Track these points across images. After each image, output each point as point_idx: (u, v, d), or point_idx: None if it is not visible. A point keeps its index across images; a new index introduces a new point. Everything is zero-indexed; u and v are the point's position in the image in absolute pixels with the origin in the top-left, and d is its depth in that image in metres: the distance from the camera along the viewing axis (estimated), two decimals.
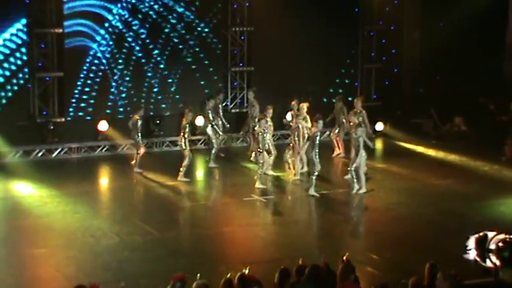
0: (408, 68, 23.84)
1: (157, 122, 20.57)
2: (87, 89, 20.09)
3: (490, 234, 12.31)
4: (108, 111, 20.30)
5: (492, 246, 12.13)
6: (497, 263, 11.84)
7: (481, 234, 12.41)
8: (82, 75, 19.90)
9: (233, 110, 21.75)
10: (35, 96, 19.30)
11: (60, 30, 19.22)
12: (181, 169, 17.20)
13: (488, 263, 11.94)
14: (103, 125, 19.69)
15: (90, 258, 12.35)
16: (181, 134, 17.31)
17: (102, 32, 19.98)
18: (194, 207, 16.14)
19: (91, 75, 20.01)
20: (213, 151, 18.71)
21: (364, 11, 23.09)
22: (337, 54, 22.77)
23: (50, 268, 12.00)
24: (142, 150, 18.10)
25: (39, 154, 19.26)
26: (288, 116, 21.33)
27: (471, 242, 12.46)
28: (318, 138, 15.86)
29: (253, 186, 16.61)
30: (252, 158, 18.02)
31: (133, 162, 18.03)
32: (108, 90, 20.24)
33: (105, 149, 19.98)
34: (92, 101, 20.13)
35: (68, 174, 18.06)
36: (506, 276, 10.97)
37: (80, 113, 20.04)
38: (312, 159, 15.90)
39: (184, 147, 17.24)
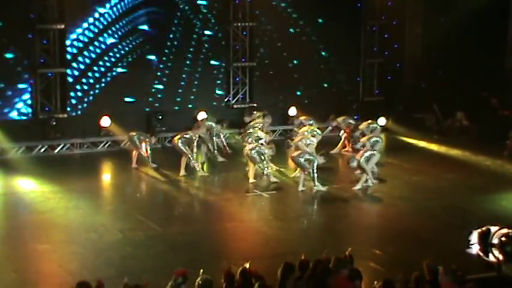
0: (410, 63, 23.82)
1: (160, 117, 20.56)
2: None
3: (493, 228, 12.34)
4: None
5: (495, 241, 12.16)
6: (500, 257, 11.88)
7: (483, 228, 12.43)
8: None
9: (235, 106, 21.76)
10: (37, 92, 19.30)
11: (62, 26, 19.20)
12: (197, 168, 17.37)
13: (491, 258, 11.97)
14: (105, 121, 19.70)
15: (93, 254, 12.35)
16: (182, 135, 17.39)
17: None
18: (197, 202, 16.15)
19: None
20: (212, 149, 18.86)
21: (367, 6, 23.08)
22: (339, 49, 22.76)
23: (53, 264, 12.01)
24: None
25: (42, 150, 19.27)
26: (291, 111, 21.42)
27: (474, 237, 12.48)
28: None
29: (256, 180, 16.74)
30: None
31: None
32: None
33: (107, 144, 20.00)
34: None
35: (70, 170, 18.08)
36: (509, 270, 10.98)
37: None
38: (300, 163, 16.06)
39: (182, 147, 17.26)
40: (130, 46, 20.35)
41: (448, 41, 21.86)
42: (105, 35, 19.98)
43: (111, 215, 14.83)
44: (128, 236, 13.29)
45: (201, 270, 8.37)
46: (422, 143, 21.26)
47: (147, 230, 13.61)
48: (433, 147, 20.85)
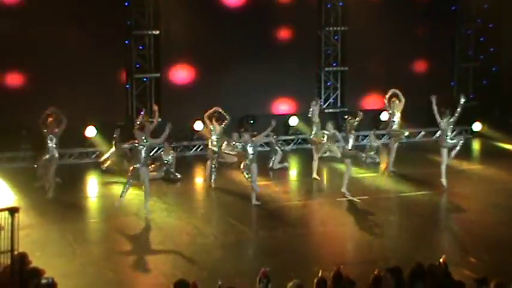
0: (507, 66, 23.20)
1: (251, 121, 20.63)
2: None
3: None
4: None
5: None
6: None
7: None
8: None
9: (326, 111, 21.70)
10: (132, 96, 19.79)
11: (157, 32, 19.65)
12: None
13: None
14: (198, 125, 19.97)
15: (186, 257, 12.55)
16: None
17: None
18: (288, 206, 16.16)
19: None
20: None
21: (462, 9, 22.65)
22: (432, 53, 22.42)
23: (147, 265, 12.29)
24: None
25: None
26: (383, 116, 21.15)
27: None
28: None
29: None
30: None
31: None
32: None
33: (199, 148, 20.28)
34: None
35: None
36: None
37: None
38: None
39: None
40: None
41: None
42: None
43: (204, 218, 15.04)
44: (220, 239, 13.47)
45: (292, 274, 8.39)
46: None
47: (239, 234, 13.75)
48: None
